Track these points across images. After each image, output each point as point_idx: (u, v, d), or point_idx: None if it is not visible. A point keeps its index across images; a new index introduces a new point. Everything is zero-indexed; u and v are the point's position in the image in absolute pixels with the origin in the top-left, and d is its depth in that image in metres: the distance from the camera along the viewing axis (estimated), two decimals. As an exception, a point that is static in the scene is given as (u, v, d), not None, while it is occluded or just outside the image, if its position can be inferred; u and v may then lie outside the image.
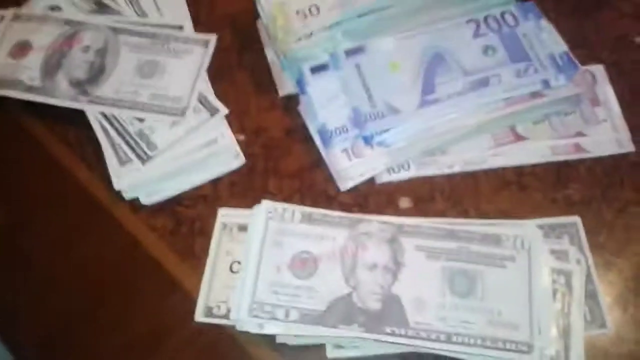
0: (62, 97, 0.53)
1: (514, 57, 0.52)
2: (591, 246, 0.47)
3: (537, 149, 0.52)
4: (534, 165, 0.51)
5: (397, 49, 0.54)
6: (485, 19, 0.54)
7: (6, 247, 0.49)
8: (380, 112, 0.50)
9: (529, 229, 0.46)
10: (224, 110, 0.53)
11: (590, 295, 0.45)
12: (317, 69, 0.53)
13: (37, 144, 0.54)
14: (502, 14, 0.55)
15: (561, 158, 0.51)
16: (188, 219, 0.50)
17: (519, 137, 0.52)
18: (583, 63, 0.53)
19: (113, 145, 0.51)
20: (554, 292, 0.45)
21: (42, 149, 0.54)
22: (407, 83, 0.52)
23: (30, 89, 0.54)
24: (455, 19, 0.55)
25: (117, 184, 0.49)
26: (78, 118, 0.53)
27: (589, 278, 0.46)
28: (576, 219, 0.48)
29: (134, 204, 0.51)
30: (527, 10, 0.55)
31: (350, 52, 0.53)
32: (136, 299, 0.46)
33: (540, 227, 0.48)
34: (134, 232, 0.49)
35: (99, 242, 0.49)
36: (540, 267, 0.44)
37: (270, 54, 0.57)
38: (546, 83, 0.51)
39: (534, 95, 0.51)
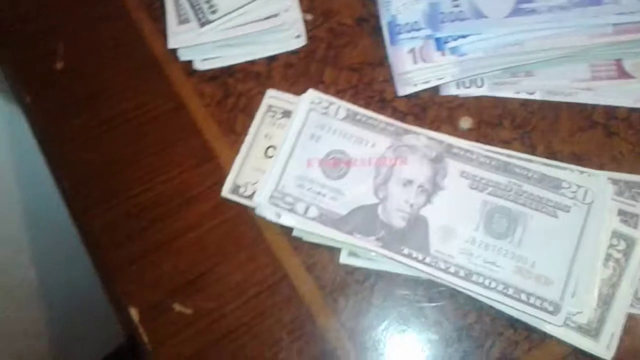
0: (139, -57, 0.51)
1: (645, -26, 0.43)
2: (670, 217, 0.40)
3: (640, 92, 0.44)
4: (632, 110, 0.44)
5: (503, -60, 0.45)
6: None
7: (62, 90, 0.50)
8: (462, 12, 0.44)
9: (598, 181, 0.40)
10: (293, -17, 0.48)
11: (650, 271, 0.39)
12: (404, -48, 0.46)
13: (109, -12, 0.53)
14: None
15: (668, 108, 0.43)
16: (236, 92, 0.48)
17: (623, 74, 0.44)
18: None
19: (176, 1, 0.49)
20: (607, 257, 0.39)
21: (113, -7, 0.53)
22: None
23: None
24: None
25: (171, 43, 0.48)
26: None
27: (653, 251, 0.39)
28: (662, 182, 0.41)
29: (188, 67, 0.49)
30: None
31: (445, -63, 0.46)
32: (171, 159, 0.46)
33: (615, 181, 0.41)
34: (182, 94, 0.49)
35: (147, 96, 0.49)
36: (597, 227, 0.39)
37: None
38: (676, 13, 0.42)
39: (656, 25, 0.42)
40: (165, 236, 0.44)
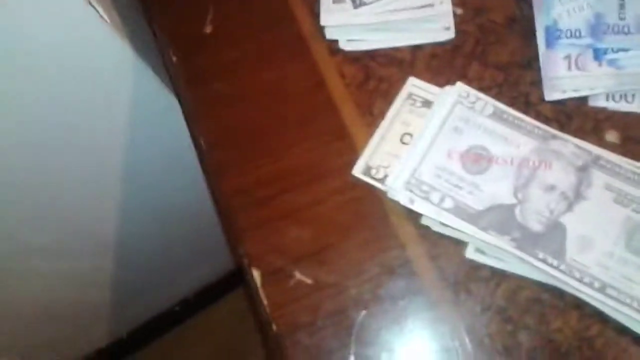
0: None
1: None
2: None
3: None
4: None
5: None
6: None
7: (208, 54, 0.52)
8: (627, 26, 0.43)
9: None
10: (452, -25, 0.49)
11: None
12: (572, -43, 0.46)
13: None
14: None
15: None
16: (377, 76, 0.49)
17: None
18: None
19: (328, -20, 0.50)
20: None
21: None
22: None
23: None
24: None
25: (324, 20, 0.49)
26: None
27: None
28: None
29: (332, 45, 0.50)
30: None
31: (619, -54, 0.45)
32: (307, 133, 0.48)
33: None
34: (325, 72, 0.50)
35: (290, 70, 0.50)
36: None
37: None
38: None
39: None
40: (293, 206, 0.46)
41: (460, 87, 0.44)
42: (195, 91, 0.51)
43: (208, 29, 0.53)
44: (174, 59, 0.53)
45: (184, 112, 0.52)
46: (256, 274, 0.44)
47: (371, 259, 0.44)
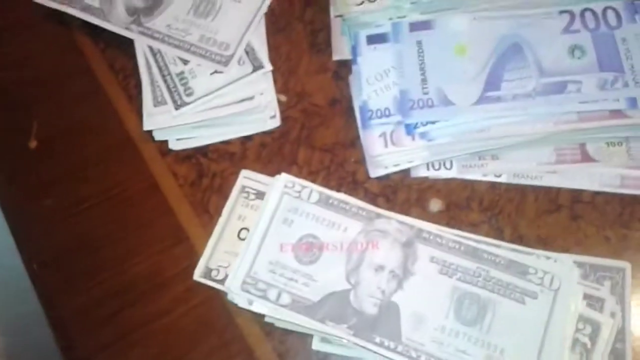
0: (116, 23, 0.52)
1: (603, 65, 0.45)
2: (633, 300, 0.41)
3: (604, 176, 0.45)
4: (596, 194, 0.45)
5: (469, 30, 0.47)
6: (583, 12, 0.47)
7: (34, 170, 0.50)
8: (430, 100, 0.45)
9: (564, 267, 0.41)
10: (268, 67, 0.50)
11: (617, 356, 0.40)
12: (375, 39, 0.48)
13: (85, 65, 0.54)
14: (605, 10, 0.46)
15: (629, 191, 0.45)
16: (210, 173, 0.49)
17: (587, 158, 0.46)
18: (688, 86, 0.45)
19: (152, 82, 0.50)
20: (574, 342, 0.40)
21: (89, 70, 0.54)
22: (470, 72, 0.46)
23: (87, 8, 0.53)
24: (547, 6, 0.47)
25: (147, 124, 0.48)
26: (129, 47, 0.52)
27: (619, 336, 0.40)
28: (625, 265, 0.42)
29: (162, 146, 0.50)
30: (637, 11, 0.46)
31: (415, 26, 0.48)
32: (143, 241, 0.46)
33: (581, 265, 0.42)
34: (157, 174, 0.49)
35: (122, 177, 0.49)
36: (564, 313, 0.40)
37: (333, 13, 0.53)
38: (633, 102, 0.44)
39: (615, 114, 0.44)
40: (136, 322, 0.44)
41: (284, 177, 0.45)
42: (22, 211, 0.49)
43: (32, 144, 0.51)
44: (-1, 177, 0.50)
45: (12, 233, 0.49)
46: (99, 406, 0.41)
47: (221, 366, 0.42)
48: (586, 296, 0.41)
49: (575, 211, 0.45)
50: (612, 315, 0.40)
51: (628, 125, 0.44)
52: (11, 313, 0.73)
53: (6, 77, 0.54)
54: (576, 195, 0.45)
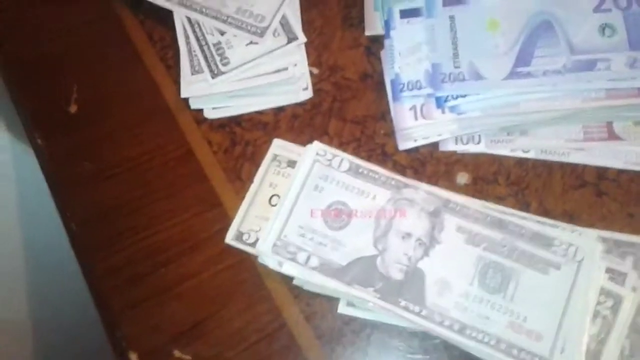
0: (156, -5, 0.54)
1: (633, 43, 0.45)
2: (657, 276, 0.42)
3: (630, 154, 0.46)
4: (621, 171, 0.46)
5: (501, 5, 0.48)
6: (616, -9, 0.47)
7: (74, 133, 0.52)
8: (462, 74, 0.46)
9: (589, 240, 0.42)
10: (302, 39, 0.51)
11: (637, 330, 0.41)
12: (408, 13, 0.49)
13: (124, 34, 0.56)
14: (638, -10, 0.47)
15: (656, 170, 0.45)
16: (243, 141, 0.50)
17: (613, 136, 0.46)
18: None
19: (190, 52, 0.51)
20: (596, 314, 0.41)
21: (128, 40, 0.55)
22: (501, 47, 0.47)
23: (128, -20, 0.55)
24: (580, -15, 0.48)
25: (184, 92, 0.50)
26: (168, 18, 0.54)
27: (640, 310, 0.41)
28: (649, 242, 0.43)
29: (198, 115, 0.51)
30: (671, -9, 0.46)
31: (448, 1, 0.48)
32: (177, 205, 0.48)
33: (604, 240, 0.43)
34: (192, 141, 0.50)
35: (159, 143, 0.51)
36: (586, 284, 0.40)
37: (367, -12, 0.54)
38: (663, 82, 0.44)
39: (645, 92, 0.44)
40: (167, 282, 0.46)
41: (316, 146, 0.46)
42: (62, 172, 0.51)
43: (72, 109, 0.53)
44: (39, 141, 0.52)
45: (52, 193, 0.51)
46: (133, 357, 0.43)
47: (249, 326, 0.44)
48: (608, 270, 0.42)
49: (601, 188, 0.45)
50: (634, 289, 0.41)
51: (657, 105, 0.45)
52: (51, 272, 0.76)
53: (49, 45, 0.56)
54: (602, 173, 0.46)
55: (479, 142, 0.47)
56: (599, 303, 0.41)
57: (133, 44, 0.55)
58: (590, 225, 0.44)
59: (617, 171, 0.45)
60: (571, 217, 0.44)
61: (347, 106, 0.50)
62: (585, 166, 0.46)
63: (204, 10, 0.52)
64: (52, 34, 0.56)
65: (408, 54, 0.48)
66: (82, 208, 0.49)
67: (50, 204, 0.52)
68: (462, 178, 0.47)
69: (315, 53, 0.52)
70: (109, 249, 0.47)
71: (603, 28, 0.46)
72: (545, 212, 0.45)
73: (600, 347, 0.40)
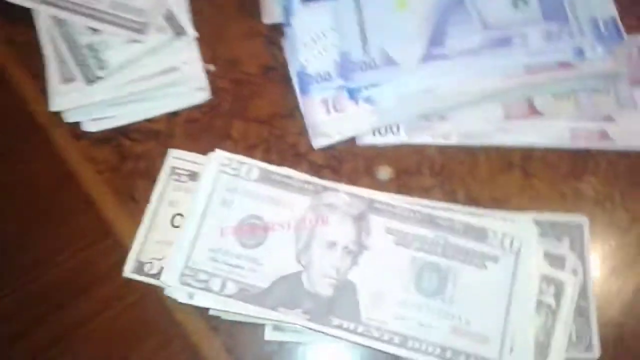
0: (12, -8, 0.45)
1: (547, 14, 0.43)
2: (594, 255, 0.40)
3: (554, 130, 0.44)
4: (547, 150, 0.43)
5: (409, -17, 0.44)
6: (524, -39, 0.44)
7: None
8: (373, 61, 0.42)
9: (523, 226, 0.39)
10: (192, 33, 0.45)
11: (581, 313, 0.39)
12: (309, -3, 0.44)
13: (-22, 43, 0.47)
14: (544, -41, 0.44)
15: (581, 145, 0.43)
16: (134, 155, 0.43)
17: (535, 112, 0.44)
18: (631, 33, 0.43)
19: (58, 57, 0.44)
20: (539, 304, 0.38)
21: (-18, 49, 0.47)
22: (412, 29, 0.43)
23: (-27, -24, 0.46)
24: (486, -44, 0.45)
25: (53, 105, 0.42)
26: (30, 19, 0.45)
27: (583, 293, 0.39)
28: (583, 220, 0.41)
29: (76, 129, 0.44)
30: (576, -42, 0.44)
31: (350, -20, 0.44)
32: (62, 238, 0.41)
33: (539, 223, 0.40)
34: (71, 161, 0.43)
35: (33, 166, 0.43)
36: (527, 274, 0.38)
37: (259, -29, 0.48)
38: (580, 52, 0.42)
39: (563, 65, 0.42)
40: (63, 329, 0.39)
41: (219, 154, 0.40)
42: None
43: None
44: None
45: None
46: None
47: (162, 369, 0.38)
48: (547, 255, 0.39)
49: (528, 169, 0.43)
50: (574, 272, 0.39)
51: (576, 77, 0.43)
52: None
53: None
54: (527, 153, 0.43)
55: (398, 132, 0.44)
56: (541, 292, 0.38)
57: (-11, 52, 0.46)
58: (522, 209, 0.41)
59: (543, 150, 0.43)
60: (500, 202, 0.42)
61: (250, 104, 0.45)
62: (510, 148, 0.43)
63: (71, 7, 0.45)
64: None
65: (313, 43, 0.43)
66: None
67: None
68: (385, 173, 0.43)
69: (209, 47, 0.46)
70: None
71: (516, 1, 0.43)
72: (473, 201, 0.42)
73: (548, 338, 0.37)
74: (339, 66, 0.42)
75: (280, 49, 0.46)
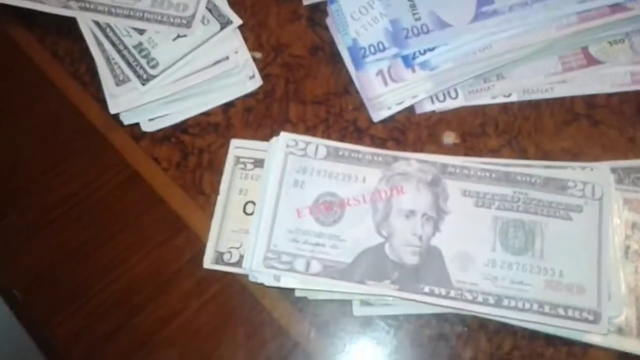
0: (51, 3, 0.45)
1: (596, -40, 0.42)
2: (674, 196, 0.39)
3: (614, 75, 0.43)
4: (610, 95, 0.43)
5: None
6: None
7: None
8: (424, 25, 0.41)
9: (601, 173, 0.39)
10: (237, 20, 0.44)
11: (669, 254, 0.38)
12: (350, -30, 0.44)
13: (25, 58, 0.47)
14: None
15: (643, 87, 0.42)
16: (196, 150, 0.43)
17: (592, 61, 0.43)
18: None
19: (108, 61, 0.43)
20: (626, 249, 0.38)
21: (30, 63, 0.47)
22: (460, -10, 0.42)
23: (13, -8, 0.46)
24: None
25: (113, 108, 0.42)
26: (70, 28, 0.45)
27: (667, 235, 0.38)
28: (657, 162, 0.40)
29: (134, 130, 0.44)
30: None
31: (391, -53, 0.43)
32: (135, 240, 0.41)
33: (614, 170, 0.40)
34: (134, 163, 0.43)
35: (93, 174, 0.43)
36: (612, 221, 0.37)
37: (294, -46, 0.48)
38: (634, -8, 0.41)
39: (615, 8, 0.42)
40: (147, 330, 0.38)
41: (284, 136, 0.40)
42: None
43: (-21, 155, 0.44)
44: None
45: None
46: None
47: (257, 355, 0.37)
48: (626, 201, 0.39)
49: (594, 117, 0.42)
50: (656, 215, 0.38)
51: (629, 18, 0.42)
52: None
53: None
54: (590, 101, 0.43)
55: (456, 96, 0.43)
56: (626, 237, 0.38)
57: (36, 66, 0.46)
58: (595, 158, 0.40)
59: (605, 96, 0.43)
60: (572, 154, 0.41)
61: (304, 86, 0.44)
62: (572, 98, 0.43)
63: (112, 10, 0.45)
64: None
65: (361, 14, 0.43)
66: (21, 269, 0.41)
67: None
68: (449, 137, 0.42)
69: (253, 35, 0.46)
70: (65, 310, 0.39)
71: (561, -52, 0.42)
72: (545, 155, 0.41)
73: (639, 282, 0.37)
74: (390, 35, 0.42)
75: (325, 28, 0.46)
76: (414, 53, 0.41)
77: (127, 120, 0.43)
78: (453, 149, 0.42)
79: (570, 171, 0.39)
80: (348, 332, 0.38)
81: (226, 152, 0.42)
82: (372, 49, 0.42)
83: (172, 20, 0.44)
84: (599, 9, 0.42)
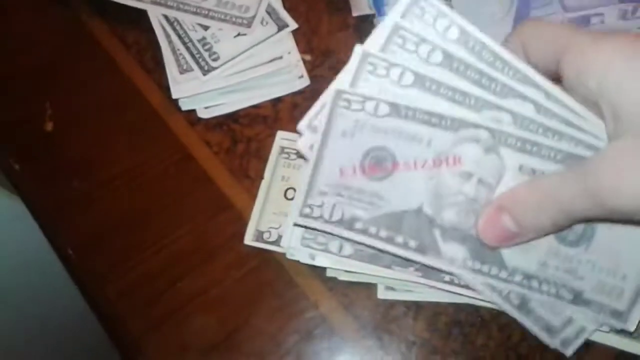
0: (125, -4, 0.50)
1: (623, -5, 0.46)
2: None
3: None
4: None
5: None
6: (599, -53, 0.48)
7: (55, 152, 0.48)
8: (464, 43, 0.45)
9: None
10: (293, 25, 0.49)
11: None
12: (398, -12, 0.48)
13: (95, 44, 0.52)
14: (619, -56, 0.48)
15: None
16: (244, 138, 0.47)
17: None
18: None
19: (174, 51, 0.48)
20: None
21: (100, 49, 0.51)
22: (497, 14, 0.47)
23: (92, -17, 0.51)
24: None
25: (176, 93, 0.47)
26: (140, 20, 0.50)
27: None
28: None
29: (190, 116, 0.48)
30: (649, -58, 0.47)
31: (438, -28, 0.48)
32: (184, 213, 0.45)
33: None
34: (189, 145, 0.47)
35: (152, 152, 0.47)
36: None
37: (348, -31, 0.53)
38: (658, 28, 0.45)
39: None
40: (188, 295, 0.42)
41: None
42: (47, 196, 0.46)
43: (49, 127, 0.49)
44: (16, 166, 0.47)
45: (38, 222, 0.46)
46: (164, 384, 0.40)
47: (286, 328, 0.41)
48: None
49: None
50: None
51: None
52: (50, 306, 0.69)
53: (15, 62, 0.51)
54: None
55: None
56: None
57: (106, 52, 0.51)
58: None
59: None
60: None
61: (348, 89, 0.49)
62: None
63: (181, 6, 0.49)
64: (19, 51, 0.52)
65: (406, 28, 0.47)
66: (78, 231, 0.45)
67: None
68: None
69: (305, 39, 0.51)
70: (116, 271, 0.43)
71: (593, -18, 0.46)
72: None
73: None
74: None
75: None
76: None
77: (185, 106, 0.48)
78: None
79: None
80: (372, 313, 0.41)
81: (272, 142, 0.46)
82: (414, 60, 0.46)
83: (234, 19, 0.49)
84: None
